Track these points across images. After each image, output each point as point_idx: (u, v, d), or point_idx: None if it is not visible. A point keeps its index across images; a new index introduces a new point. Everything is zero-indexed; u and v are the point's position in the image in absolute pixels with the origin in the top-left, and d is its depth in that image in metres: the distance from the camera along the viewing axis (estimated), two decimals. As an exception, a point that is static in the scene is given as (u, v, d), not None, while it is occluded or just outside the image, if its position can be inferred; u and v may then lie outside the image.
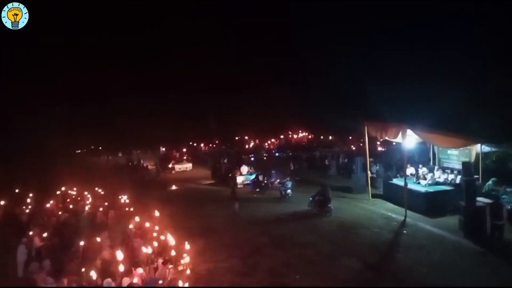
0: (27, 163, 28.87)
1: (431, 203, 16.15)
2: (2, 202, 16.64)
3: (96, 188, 19.58)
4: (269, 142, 49.31)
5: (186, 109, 46.44)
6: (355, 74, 35.13)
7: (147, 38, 45.65)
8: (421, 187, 17.22)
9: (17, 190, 19.36)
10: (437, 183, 17.41)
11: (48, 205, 16.42)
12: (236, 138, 50.00)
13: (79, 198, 17.89)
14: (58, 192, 18.81)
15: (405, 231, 14.45)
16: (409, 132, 16.54)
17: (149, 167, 34.22)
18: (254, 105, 46.70)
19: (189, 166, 35.75)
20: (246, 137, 48.15)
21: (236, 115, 47.21)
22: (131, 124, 41.20)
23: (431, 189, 16.84)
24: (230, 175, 25.91)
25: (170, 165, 34.12)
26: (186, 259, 9.75)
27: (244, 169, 25.83)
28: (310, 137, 50.95)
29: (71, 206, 16.42)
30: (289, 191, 20.38)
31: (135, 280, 8.27)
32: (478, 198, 14.06)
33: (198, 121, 47.01)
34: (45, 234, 12.19)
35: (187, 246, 10.10)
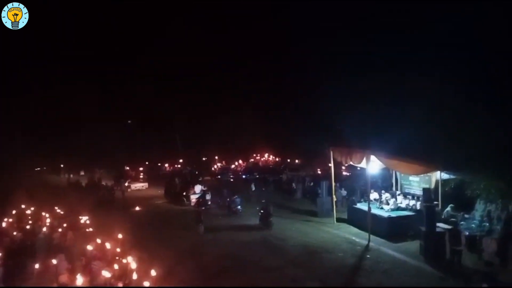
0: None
1: (394, 228, 16.47)
2: None
3: (55, 208, 18.83)
4: (236, 164, 49.16)
5: (153, 128, 45.89)
6: (323, 99, 35.81)
7: (115, 52, 44.80)
8: (384, 212, 17.58)
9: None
10: (399, 208, 17.83)
11: (3, 225, 15.65)
12: (204, 159, 49.58)
13: (36, 218, 17.11)
14: (13, 211, 17.93)
15: (368, 256, 14.64)
16: (372, 157, 16.96)
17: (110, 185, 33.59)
18: (222, 127, 46.76)
19: (145, 185, 36.17)
20: (216, 157, 47.81)
21: (204, 136, 47.02)
22: (95, 142, 40.30)
23: (394, 214, 17.22)
24: (184, 193, 26.82)
25: (126, 184, 33.85)
26: (146, 284, 9.46)
27: (198, 188, 26.92)
28: (277, 160, 51.18)
29: (27, 227, 15.68)
30: (239, 207, 22.37)
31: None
32: (438, 224, 14.49)
33: (165, 141, 46.52)
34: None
35: (152, 272, 9.79)
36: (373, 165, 17.58)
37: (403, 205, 18.01)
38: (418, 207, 17.20)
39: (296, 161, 47.30)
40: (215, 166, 46.04)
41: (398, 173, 20.01)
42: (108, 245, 12.19)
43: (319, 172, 35.46)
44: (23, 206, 18.39)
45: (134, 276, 9.80)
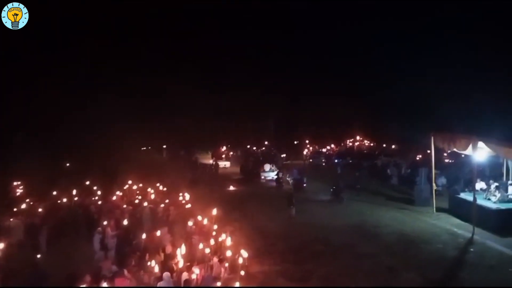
0: (97, 157, 30.75)
1: (503, 221, 15.02)
2: (74, 192, 17.83)
3: (158, 185, 20.35)
4: (328, 148, 48.46)
5: (247, 113, 47.16)
6: (424, 83, 33.73)
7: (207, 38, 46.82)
8: (491, 203, 16.09)
9: (87, 183, 20.61)
10: (509, 200, 16.19)
11: (114, 198, 17.39)
12: (295, 142, 49.66)
13: (142, 194, 18.70)
14: (124, 187, 19.78)
15: (472, 249, 13.57)
16: (480, 144, 15.54)
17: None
18: (316, 111, 46.50)
19: (227, 163, 38.96)
20: (307, 141, 47.60)
21: (297, 121, 47.11)
22: (194, 124, 42.78)
23: (503, 206, 15.68)
24: (255, 171, 30.49)
25: (212, 162, 37.28)
26: (240, 260, 9.85)
27: (267, 167, 30.45)
28: (372, 145, 49.41)
29: (136, 201, 17.21)
30: (305, 184, 25.44)
31: (193, 276, 8.47)
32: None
33: (258, 125, 47.58)
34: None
35: (243, 252, 10.17)
36: (480, 152, 16.11)
37: (515, 197, 16.32)
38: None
39: (393, 146, 45.27)
40: (306, 150, 45.84)
41: (510, 162, 18.14)
42: (205, 221, 12.90)
43: (417, 158, 33.57)
44: (130, 182, 20.14)
45: (228, 253, 10.26)
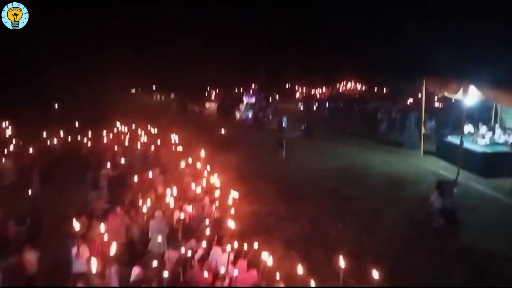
0: (85, 97, 30.34)
1: (487, 164, 15.44)
2: (62, 133, 17.68)
3: (149, 127, 20.27)
4: (320, 91, 48.11)
5: (237, 57, 46.07)
6: (415, 26, 32.93)
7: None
8: (478, 146, 16.41)
9: (77, 124, 20.45)
10: (496, 144, 16.52)
11: (105, 140, 17.36)
12: (287, 86, 49.12)
13: (132, 136, 18.66)
14: (114, 128, 19.69)
15: (455, 190, 14.00)
16: (471, 88, 15.54)
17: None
18: (308, 56, 45.57)
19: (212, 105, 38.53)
20: (297, 86, 47.06)
21: (288, 64, 46.16)
22: (184, 67, 41.88)
23: (489, 149, 16.03)
24: (231, 110, 31.99)
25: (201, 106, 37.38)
26: (230, 200, 10.08)
27: (242, 106, 32.66)
28: (363, 89, 49.10)
29: (126, 144, 17.21)
30: (284, 124, 25.97)
31: (183, 215, 8.68)
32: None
33: (248, 69, 46.70)
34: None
35: (233, 192, 10.37)
36: (470, 96, 16.16)
37: (501, 141, 16.63)
38: (519, 143, 15.77)
39: (384, 90, 45.10)
40: (299, 94, 45.51)
41: (499, 106, 18.27)
42: (198, 163, 13.05)
43: (408, 103, 33.62)
44: (118, 124, 20.02)
45: (219, 193, 10.48)
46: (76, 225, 7.45)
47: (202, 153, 13.58)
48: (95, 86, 33.61)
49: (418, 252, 9.68)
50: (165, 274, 6.19)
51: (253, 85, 47.17)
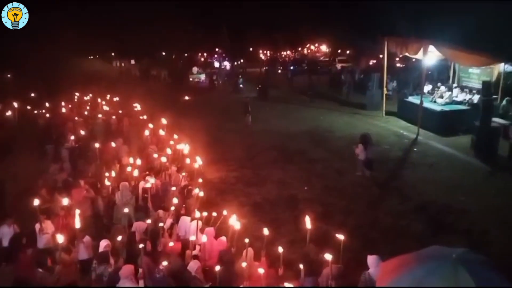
0: (38, 67, 28.77)
1: (446, 123, 16.00)
2: (16, 105, 16.82)
3: (109, 95, 19.64)
4: (284, 54, 47.94)
5: (199, 20, 44.62)
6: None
7: None
8: (437, 105, 16.95)
9: (32, 94, 19.54)
10: (454, 102, 17.10)
11: (63, 110, 16.70)
12: (250, 49, 48.53)
13: (93, 105, 18.06)
14: (74, 98, 18.97)
15: (415, 149, 14.55)
16: (431, 48, 15.85)
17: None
18: (269, 16, 44.71)
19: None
20: (260, 51, 46.55)
21: (251, 25, 45.30)
22: (142, 32, 40.19)
23: (447, 108, 16.59)
24: (183, 74, 33.80)
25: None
26: (196, 166, 10.04)
27: (195, 69, 34.38)
28: (327, 50, 49.28)
29: (86, 113, 16.66)
30: (241, 85, 28.07)
31: (148, 185, 8.58)
32: (493, 119, 13.84)
33: (210, 32, 45.50)
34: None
35: (198, 159, 10.33)
36: (430, 56, 16.52)
37: (459, 99, 17.22)
38: (475, 101, 16.37)
39: (347, 52, 45.38)
40: (263, 56, 45.19)
41: (457, 65, 18.79)
42: (160, 131, 12.84)
43: (371, 64, 34.04)
44: (77, 94, 19.26)
45: (187, 161, 10.41)
46: (36, 200, 7.21)
47: (163, 120, 13.36)
48: (50, 54, 31.85)
49: (380, 208, 10.08)
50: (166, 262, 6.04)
51: (216, 49, 46.42)
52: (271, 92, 25.80)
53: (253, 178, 12.06)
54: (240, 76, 30.29)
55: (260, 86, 25.84)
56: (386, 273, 4.24)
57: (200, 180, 9.73)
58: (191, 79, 33.30)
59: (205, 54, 46.80)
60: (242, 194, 10.90)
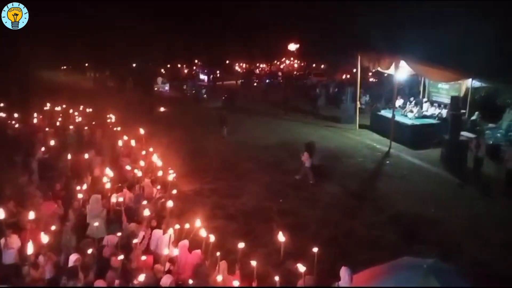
0: (9, 76, 27.97)
1: (416, 136, 16.41)
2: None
3: (82, 107, 19.26)
4: (260, 68, 48.28)
5: (176, 30, 44.55)
6: (350, 3, 33.71)
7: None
8: (408, 119, 17.39)
9: (1, 104, 18.96)
10: (424, 116, 17.58)
11: (35, 121, 16.24)
12: (227, 62, 48.68)
13: (65, 116, 17.64)
14: (45, 108, 18.48)
15: (388, 161, 14.84)
16: (402, 63, 16.32)
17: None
18: (245, 30, 45.07)
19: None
20: (237, 64, 46.73)
21: (227, 39, 45.50)
22: (119, 42, 39.77)
23: (418, 122, 17.03)
24: (148, 84, 33.92)
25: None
26: (170, 178, 9.92)
27: (159, 79, 35.31)
28: (302, 64, 49.93)
29: (57, 123, 16.25)
30: (204, 96, 29.58)
31: (121, 199, 8.38)
32: (462, 133, 14.33)
33: (186, 45, 45.47)
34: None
35: (171, 171, 10.22)
36: (401, 71, 16.99)
37: (428, 113, 17.74)
38: (444, 115, 16.89)
39: (322, 66, 46.12)
40: (239, 69, 45.40)
41: (427, 80, 19.39)
42: (133, 143, 12.64)
43: (344, 78, 34.69)
44: (48, 105, 18.80)
45: (160, 173, 10.27)
46: (1, 213, 6.92)
47: (141, 131, 13.19)
48: (22, 64, 31.04)
49: (354, 219, 10.19)
50: (141, 277, 5.91)
51: (196, 61, 46.37)
52: (246, 105, 25.87)
53: (228, 190, 11.98)
54: (203, 87, 32.45)
55: (226, 95, 25.87)
56: (358, 284, 4.28)
57: (174, 192, 9.61)
58: (155, 89, 34.06)
59: (184, 66, 46.72)
60: (217, 206, 10.80)
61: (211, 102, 26.57)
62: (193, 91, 31.44)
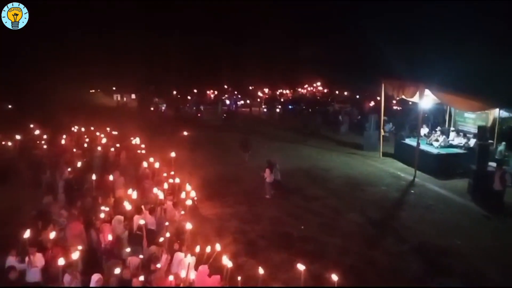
0: (40, 99, 29.05)
1: (442, 165, 16.07)
2: (18, 137, 16.90)
3: (108, 129, 19.73)
4: (283, 93, 48.63)
5: (200, 57, 45.81)
6: (374, 31, 33.97)
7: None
8: (433, 148, 17.09)
9: (31, 125, 19.60)
10: (450, 146, 17.26)
11: (62, 142, 16.72)
12: (250, 88, 49.27)
13: (92, 138, 18.09)
14: (73, 129, 19.04)
15: (412, 191, 14.54)
16: (427, 92, 16.19)
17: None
18: (268, 57, 45.99)
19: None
20: (261, 92, 47.34)
21: (251, 63, 46.33)
22: (144, 69, 41.26)
23: (443, 151, 16.72)
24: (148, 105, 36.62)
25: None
26: (189, 202, 9.95)
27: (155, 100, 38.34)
28: (325, 91, 50.09)
29: (85, 145, 16.67)
30: (199, 114, 32.10)
31: (142, 221, 8.42)
32: (490, 163, 13.95)
33: (210, 70, 46.58)
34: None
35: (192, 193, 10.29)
36: (426, 100, 16.84)
37: (455, 143, 17.40)
38: (471, 145, 16.53)
39: (345, 93, 46.14)
40: (262, 95, 45.84)
41: (452, 109, 19.11)
42: (157, 165, 12.82)
43: (368, 105, 34.55)
44: (76, 127, 19.36)
45: (183, 195, 10.35)
46: (27, 232, 7.08)
47: (172, 154, 13.40)
48: (51, 85, 32.26)
49: (376, 248, 9.97)
50: None
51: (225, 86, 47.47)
52: (268, 130, 25.99)
53: (248, 215, 11.95)
54: (201, 107, 35.22)
55: (225, 115, 29.25)
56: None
57: (195, 216, 9.64)
58: (152, 109, 36.66)
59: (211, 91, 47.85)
60: (237, 231, 10.76)
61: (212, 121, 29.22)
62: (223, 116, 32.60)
